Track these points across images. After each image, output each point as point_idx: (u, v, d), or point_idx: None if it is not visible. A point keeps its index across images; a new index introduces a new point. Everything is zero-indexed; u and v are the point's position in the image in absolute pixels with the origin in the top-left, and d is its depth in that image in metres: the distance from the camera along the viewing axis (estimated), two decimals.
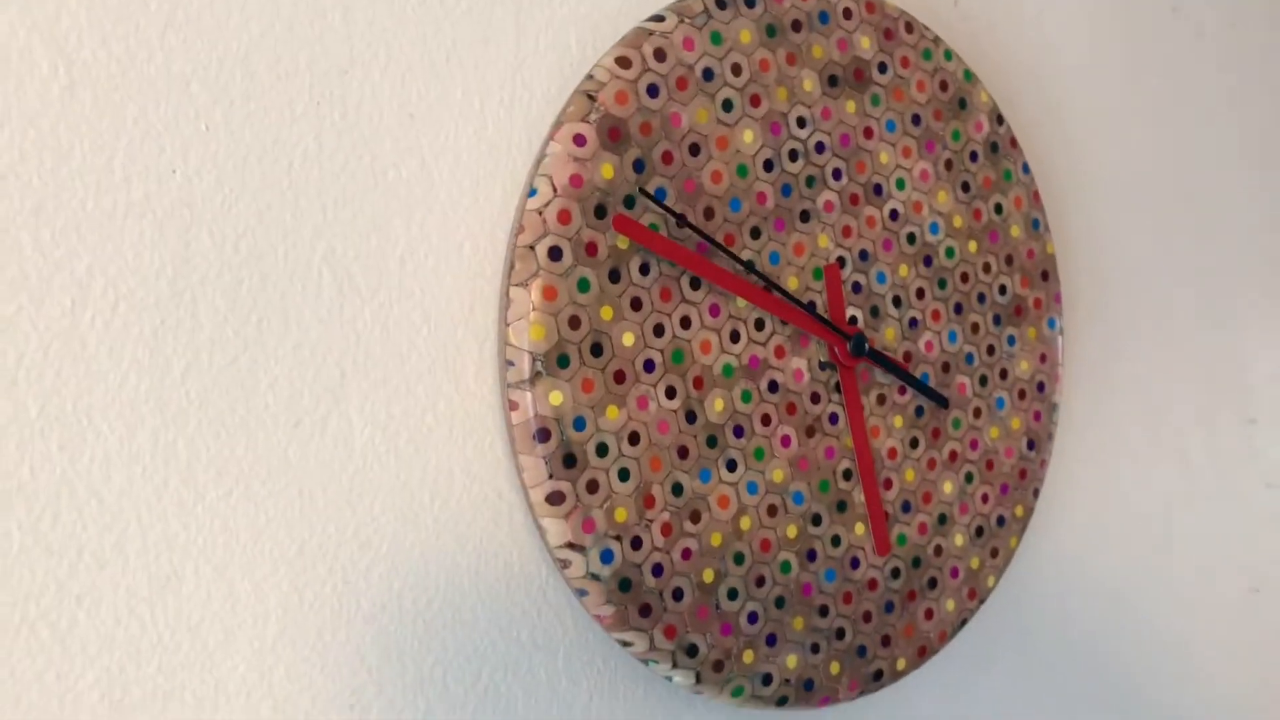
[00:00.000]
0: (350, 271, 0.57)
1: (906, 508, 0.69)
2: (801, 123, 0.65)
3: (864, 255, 0.68)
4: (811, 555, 0.65)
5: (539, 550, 0.60)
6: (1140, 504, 0.88)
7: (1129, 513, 0.88)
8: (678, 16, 0.61)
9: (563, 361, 0.57)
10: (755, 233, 0.63)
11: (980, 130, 0.73)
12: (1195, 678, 0.89)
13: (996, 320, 0.73)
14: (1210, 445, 0.93)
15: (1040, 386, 0.75)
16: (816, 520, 0.65)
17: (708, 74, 0.61)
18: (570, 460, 0.57)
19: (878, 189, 0.68)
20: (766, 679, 0.63)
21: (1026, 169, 0.75)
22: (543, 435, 0.56)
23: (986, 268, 0.73)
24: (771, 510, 0.64)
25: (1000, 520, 0.73)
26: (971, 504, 0.72)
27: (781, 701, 0.64)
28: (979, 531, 0.72)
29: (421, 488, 0.59)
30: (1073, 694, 0.82)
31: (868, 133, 0.68)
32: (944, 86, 0.71)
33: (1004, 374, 0.73)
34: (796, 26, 0.65)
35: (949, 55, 0.71)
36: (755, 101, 0.63)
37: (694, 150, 0.61)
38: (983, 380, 0.73)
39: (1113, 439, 0.86)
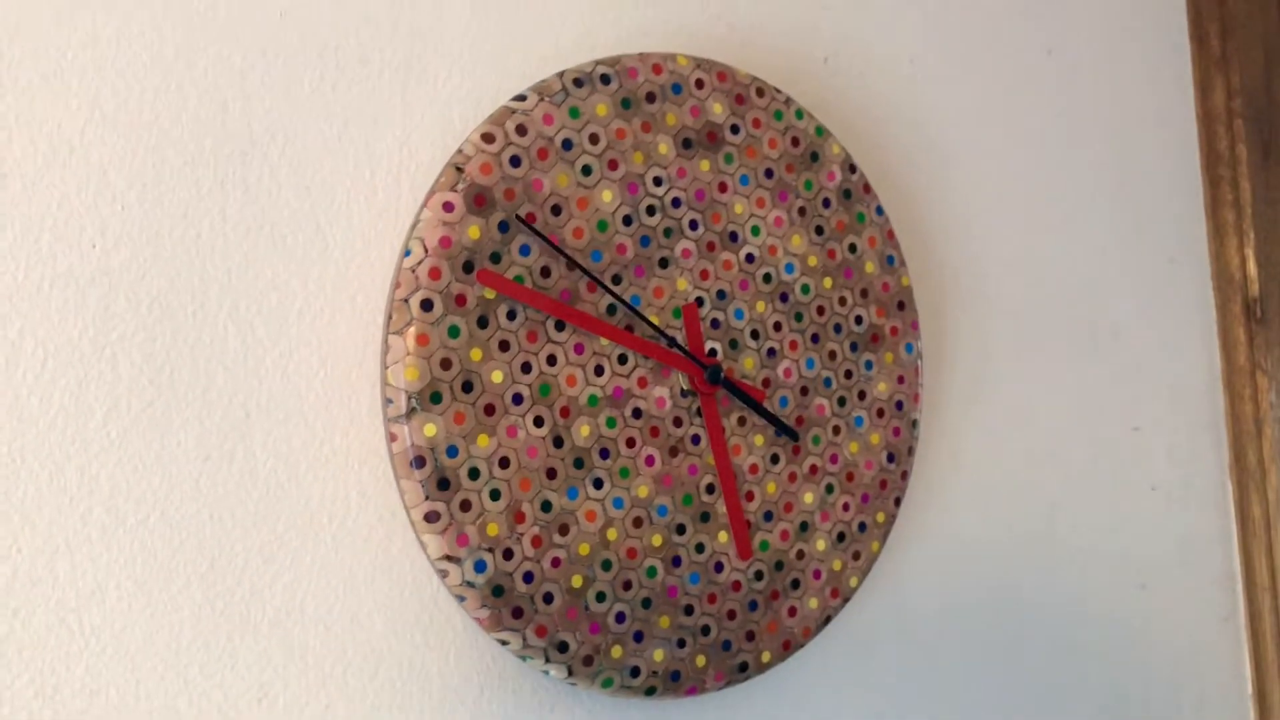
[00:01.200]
0: (253, 325, 0.67)
1: (769, 517, 0.78)
2: (658, 181, 0.74)
3: (721, 294, 0.76)
4: (676, 561, 0.74)
5: (425, 562, 0.69)
6: (1023, 508, 0.97)
7: (1011, 516, 0.96)
8: (538, 95, 0.70)
9: (435, 398, 0.66)
10: (616, 279, 0.73)
11: (832, 179, 0.81)
12: (1081, 672, 0.97)
13: (854, 347, 0.82)
14: (1093, 452, 1.01)
15: (899, 405, 0.84)
16: (681, 530, 0.74)
17: (567, 144, 0.71)
18: (444, 484, 0.66)
19: (733, 236, 0.77)
20: (635, 671, 0.72)
21: (880, 211, 0.83)
22: (419, 462, 0.65)
23: (842, 301, 0.82)
24: (637, 522, 0.73)
25: (862, 526, 0.82)
26: (832, 512, 0.81)
27: (650, 691, 0.73)
28: (840, 537, 0.81)
29: (320, 509, 0.68)
30: (944, 686, 0.90)
31: (722, 187, 0.77)
32: (795, 142, 0.80)
33: (862, 395, 0.82)
34: (651, 98, 0.74)
35: (800, 114, 0.80)
36: (613, 165, 0.72)
37: (556, 210, 0.70)
38: (841, 401, 0.81)
39: (988, 449, 0.94)
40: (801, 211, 0.80)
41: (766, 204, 0.78)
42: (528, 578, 0.68)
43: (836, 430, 0.81)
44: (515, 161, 0.69)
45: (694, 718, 0.78)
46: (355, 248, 0.69)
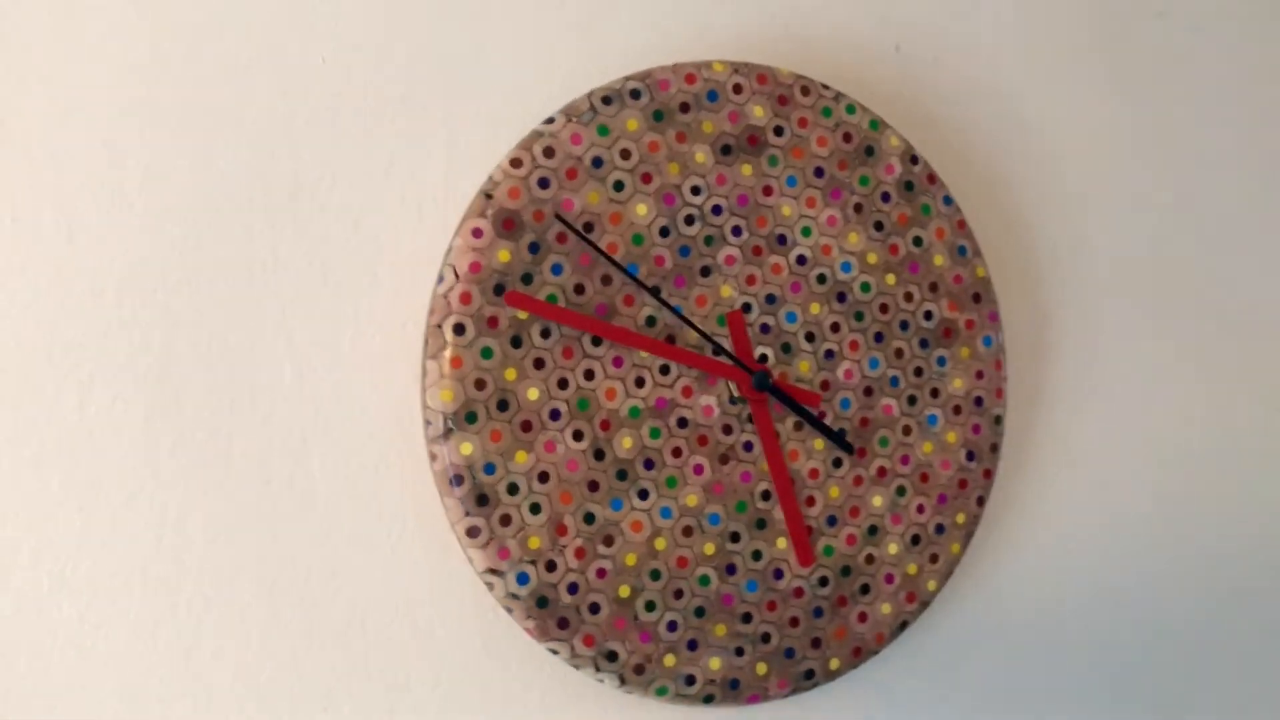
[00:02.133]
0: (308, 356, 0.71)
1: (832, 521, 0.77)
2: (696, 191, 0.74)
3: (771, 298, 0.76)
4: (731, 569, 0.74)
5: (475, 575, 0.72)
6: (1143, 504, 0.91)
7: (1131, 513, 0.91)
8: (565, 117, 0.72)
9: (471, 418, 0.69)
10: (655, 291, 0.73)
11: (891, 172, 0.79)
12: (1184, 683, 0.91)
13: (924, 344, 0.80)
14: (1226, 443, 0.94)
15: (978, 401, 0.81)
16: (735, 538, 0.74)
17: (597, 162, 0.72)
18: (483, 499, 0.69)
19: (781, 239, 0.76)
20: (690, 679, 0.73)
21: (948, 200, 0.81)
22: (457, 480, 0.68)
23: (909, 296, 0.80)
24: (687, 531, 0.73)
25: (939, 528, 0.80)
26: (905, 515, 0.79)
27: (708, 699, 0.73)
28: (915, 539, 0.79)
29: (378, 527, 0.72)
30: (1037, 696, 0.86)
31: (767, 190, 0.76)
32: (847, 138, 0.78)
33: (935, 392, 0.80)
34: (685, 108, 0.74)
35: (851, 109, 0.78)
36: (646, 179, 0.73)
37: (588, 228, 0.72)
38: (911, 400, 0.79)
39: (1104, 443, 0.90)
40: (858, 208, 0.78)
41: (818, 203, 0.77)
42: (572, 589, 0.70)
43: (907, 430, 0.79)
44: (544, 183, 0.70)
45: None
46: (403, 278, 0.72)
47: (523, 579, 0.69)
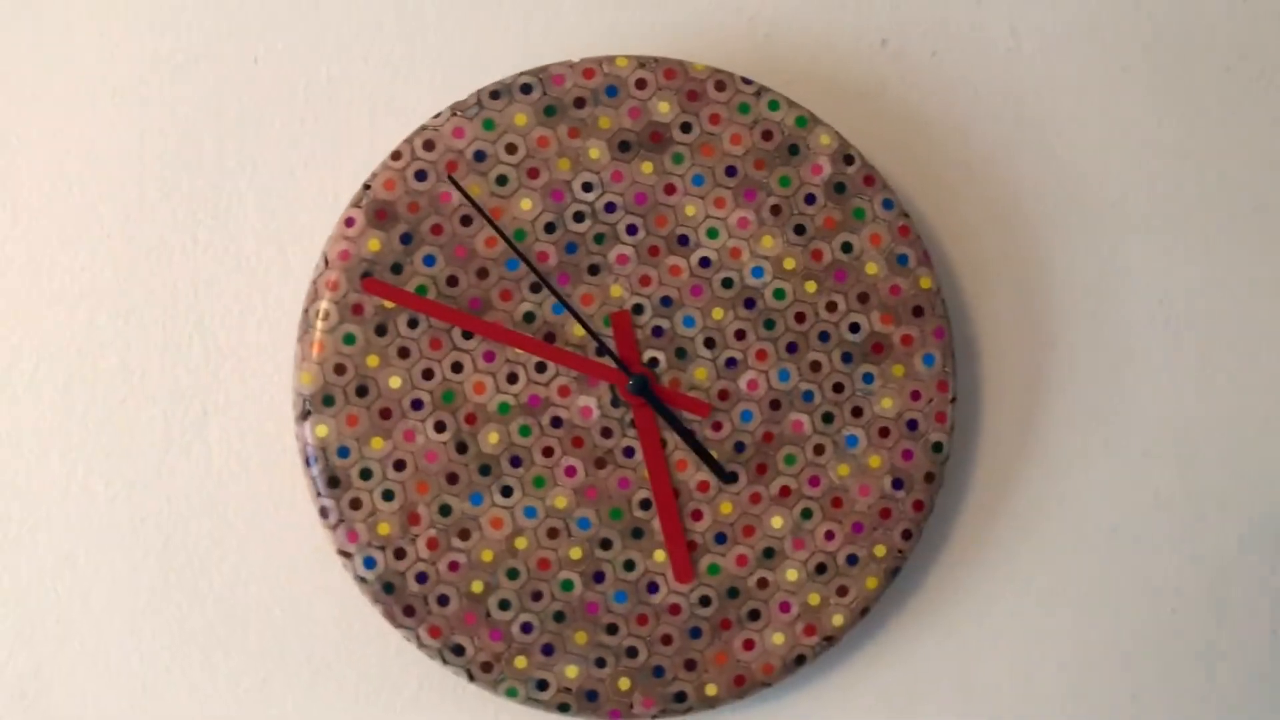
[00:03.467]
0: (215, 334, 0.76)
1: (721, 539, 0.73)
2: (588, 187, 0.73)
3: (666, 301, 0.73)
4: (599, 577, 0.72)
5: None
6: (1099, 546, 0.80)
7: (1077, 559, 0.80)
8: (451, 111, 0.73)
9: (328, 401, 0.71)
10: (535, 287, 0.73)
11: (818, 173, 0.74)
12: None
13: (847, 358, 0.74)
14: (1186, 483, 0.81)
15: (911, 424, 0.74)
16: (606, 544, 0.72)
17: (479, 155, 0.72)
18: (334, 482, 0.71)
19: (683, 239, 0.73)
20: (542, 684, 0.72)
21: (888, 204, 0.75)
22: (309, 461, 0.71)
23: (831, 306, 0.74)
24: (552, 533, 0.72)
25: (852, 559, 0.73)
26: (809, 540, 0.73)
27: (563, 708, 0.72)
28: (820, 568, 0.73)
29: (267, 499, 0.76)
30: None
31: (669, 189, 0.73)
32: (767, 136, 0.74)
33: (857, 411, 0.74)
34: (580, 103, 0.73)
35: (774, 105, 0.74)
36: (533, 174, 0.73)
37: (465, 221, 0.72)
38: (826, 417, 0.74)
39: (1123, 483, 0.80)
40: (775, 210, 0.74)
41: (728, 204, 0.74)
42: (421, 578, 0.71)
43: (819, 450, 0.73)
44: (421, 176, 0.72)
45: None
46: (314, 264, 0.76)
47: (369, 563, 0.70)
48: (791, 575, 0.73)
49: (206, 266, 0.76)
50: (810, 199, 0.74)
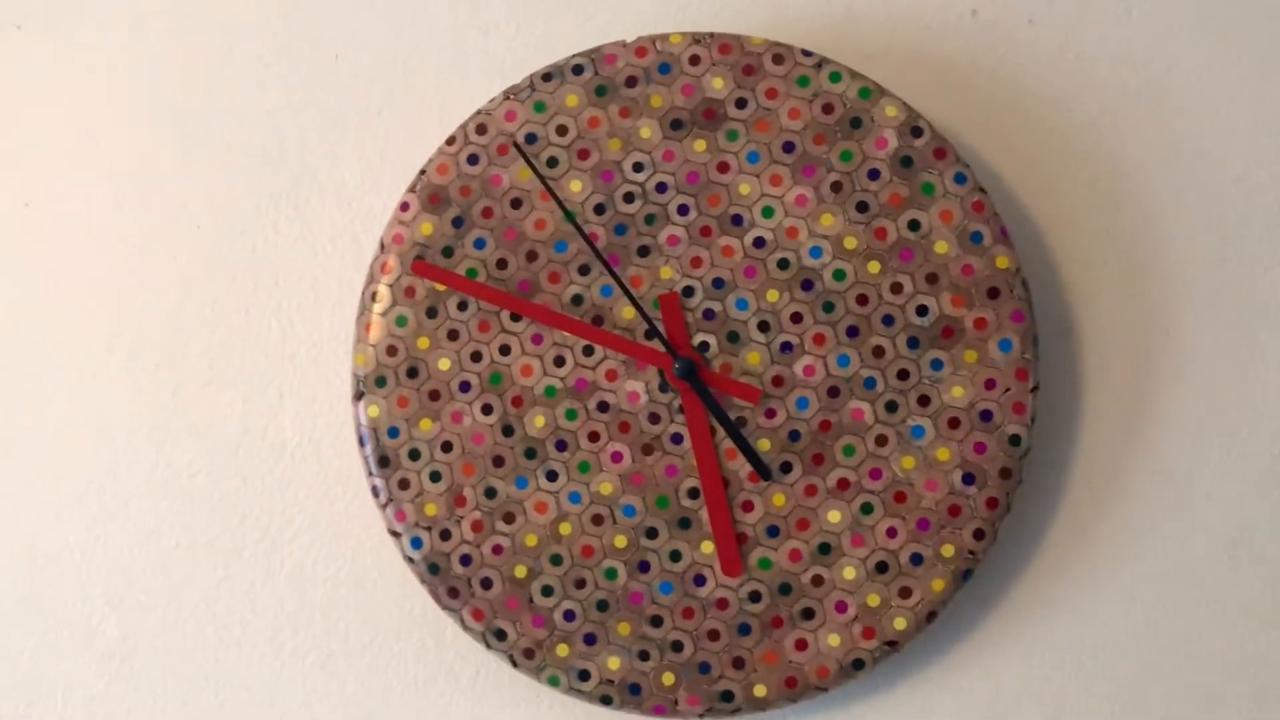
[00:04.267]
0: (292, 320, 0.79)
1: (773, 532, 0.70)
2: (638, 167, 0.72)
3: (718, 283, 0.71)
4: (644, 566, 0.70)
5: None
6: (1215, 565, 0.72)
7: (1189, 579, 0.72)
8: (504, 95, 0.73)
9: (380, 382, 0.72)
10: (584, 270, 0.72)
11: (883, 146, 0.70)
12: None
13: (913, 343, 0.70)
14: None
15: (985, 415, 0.69)
16: (652, 533, 0.70)
17: (530, 138, 0.72)
18: (384, 461, 0.72)
19: (736, 219, 0.71)
20: (584, 674, 0.70)
21: (961, 179, 0.70)
22: (362, 441, 0.72)
23: (897, 288, 0.70)
24: (597, 519, 0.70)
25: (916, 558, 0.69)
26: (870, 536, 0.69)
27: (606, 700, 0.70)
28: (881, 567, 0.69)
29: (336, 481, 0.77)
30: None
31: (722, 167, 0.71)
32: (828, 109, 0.71)
33: (924, 400, 0.69)
34: (631, 82, 0.72)
35: (836, 76, 0.71)
36: (583, 155, 0.72)
37: (515, 204, 0.72)
38: (890, 406, 0.69)
39: (1167, 484, 0.72)
40: (835, 186, 0.70)
41: (784, 181, 0.71)
42: (465, 560, 0.71)
43: (882, 440, 0.69)
44: (473, 160, 0.72)
45: None
46: None
47: (416, 543, 0.71)
48: (849, 573, 0.69)
49: (285, 255, 0.78)
50: (874, 174, 0.70)
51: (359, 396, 0.72)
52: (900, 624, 0.68)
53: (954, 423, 0.68)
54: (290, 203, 0.79)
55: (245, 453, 0.77)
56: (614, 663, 0.69)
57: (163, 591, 0.77)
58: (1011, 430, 0.68)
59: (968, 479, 0.68)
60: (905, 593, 0.68)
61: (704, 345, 0.70)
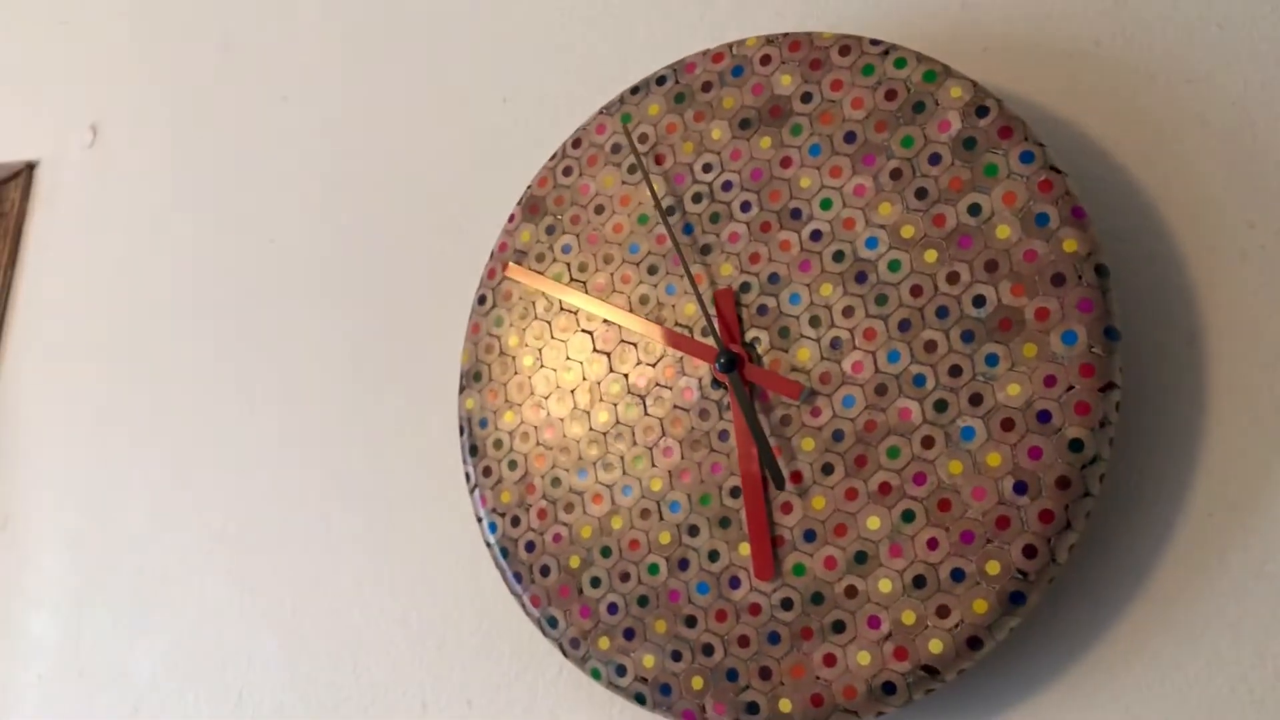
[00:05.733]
0: (453, 317, 0.87)
1: (810, 537, 0.66)
2: (708, 168, 0.73)
3: (774, 278, 0.70)
4: (684, 564, 0.69)
5: None
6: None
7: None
8: (601, 112, 0.78)
9: (477, 377, 0.78)
10: (652, 270, 0.74)
11: (946, 129, 0.67)
12: None
13: (968, 336, 0.64)
14: None
15: (1043, 416, 0.62)
16: (694, 531, 0.70)
17: (615, 148, 0.76)
18: (474, 450, 0.77)
19: (795, 213, 0.70)
20: (621, 670, 0.70)
21: (1028, 158, 0.64)
22: (459, 430, 0.78)
23: (953, 278, 0.65)
24: (645, 514, 0.71)
25: (958, 574, 0.62)
26: (909, 547, 0.64)
27: (640, 699, 0.69)
28: (919, 581, 0.63)
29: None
30: None
31: (785, 162, 0.71)
32: (890, 95, 0.69)
33: (976, 399, 0.64)
34: (706, 88, 0.74)
35: (901, 62, 0.69)
36: (660, 160, 0.75)
37: (599, 210, 0.76)
38: (939, 405, 0.65)
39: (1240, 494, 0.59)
40: (895, 174, 0.68)
41: (844, 172, 0.69)
42: (529, 547, 0.74)
43: (929, 442, 0.64)
44: (567, 171, 0.78)
45: None
46: None
47: (492, 528, 0.75)
48: (885, 586, 0.63)
49: (465, 266, 0.86)
50: (935, 159, 0.66)
51: (462, 389, 0.78)
52: (936, 647, 0.61)
53: (1008, 424, 0.61)
54: (453, 229, 0.87)
55: (406, 442, 0.85)
56: (649, 660, 0.68)
57: (318, 556, 0.86)
58: (1072, 434, 0.60)
59: (1019, 488, 0.60)
60: (943, 611, 0.61)
61: (756, 341, 0.69)
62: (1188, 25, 0.66)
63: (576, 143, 0.77)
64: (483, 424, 0.76)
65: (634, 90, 0.75)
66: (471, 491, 0.76)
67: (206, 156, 1.01)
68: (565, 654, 0.71)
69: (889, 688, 0.62)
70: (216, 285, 0.97)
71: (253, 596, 0.88)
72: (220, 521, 0.91)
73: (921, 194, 0.65)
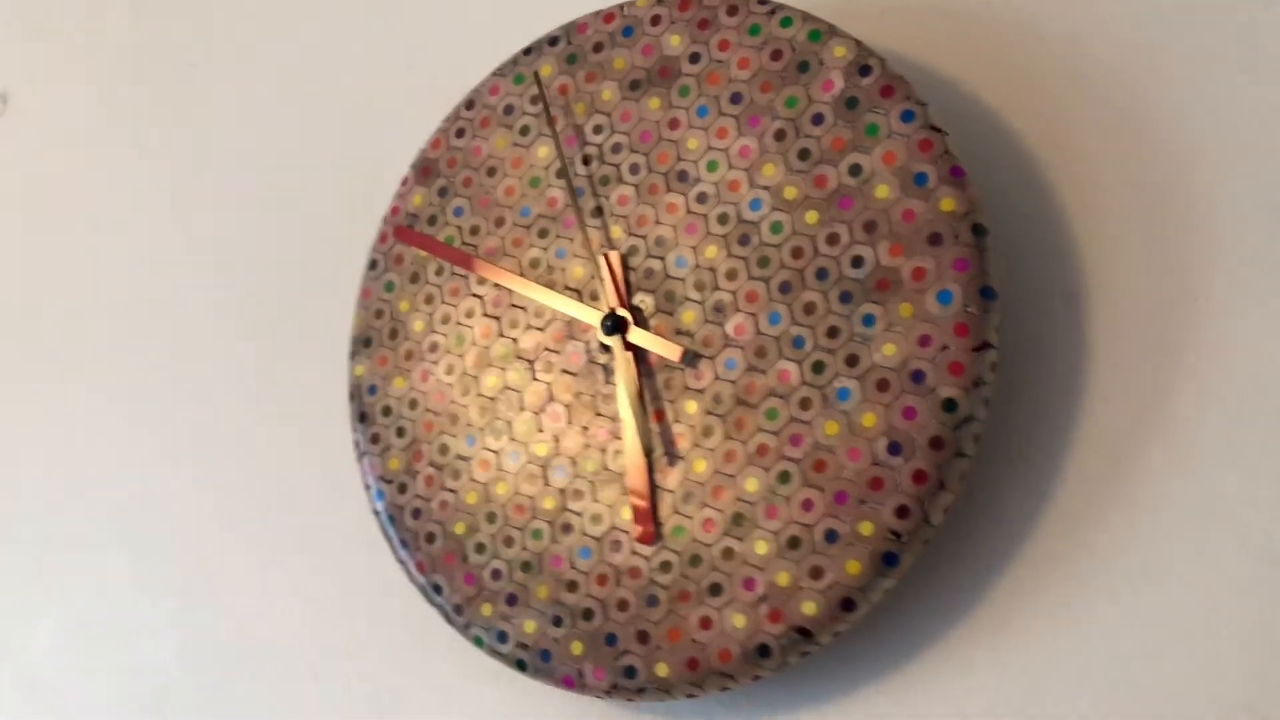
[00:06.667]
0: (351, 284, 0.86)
1: (690, 499, 0.66)
2: (598, 130, 0.72)
3: (661, 241, 0.69)
4: (567, 529, 0.69)
5: None
6: (1242, 572, 0.57)
7: (1206, 591, 0.57)
8: (494, 74, 0.77)
9: (367, 342, 0.77)
10: (543, 233, 0.73)
11: (829, 89, 0.66)
12: None
13: (845, 297, 0.64)
14: None
15: (917, 376, 0.61)
16: (578, 495, 0.69)
17: (508, 109, 0.75)
18: (363, 417, 0.76)
19: (682, 175, 0.69)
20: (502, 636, 0.69)
21: (908, 116, 0.64)
22: (349, 397, 0.77)
23: (833, 239, 0.65)
24: (530, 479, 0.70)
25: (831, 535, 0.62)
26: (784, 508, 0.63)
27: (520, 665, 0.68)
28: (793, 542, 0.63)
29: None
30: None
31: (673, 124, 0.70)
32: (776, 55, 0.68)
33: (853, 359, 0.63)
34: (598, 48, 0.73)
35: (787, 22, 0.68)
36: (552, 121, 0.74)
37: (490, 172, 0.75)
38: (817, 367, 0.64)
39: (1184, 474, 0.59)
40: (780, 135, 0.67)
41: (730, 133, 0.68)
42: (415, 514, 0.73)
43: (806, 404, 0.64)
44: (460, 133, 0.77)
45: (574, 713, 0.68)
46: None
47: (379, 495, 0.74)
48: (761, 548, 0.62)
49: (342, 233, 0.85)
50: (818, 119, 0.65)
51: (352, 355, 0.76)
52: (809, 609, 0.60)
53: (883, 385, 0.61)
54: (377, 185, 0.85)
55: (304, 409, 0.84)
56: (530, 626, 0.67)
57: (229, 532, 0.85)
58: (946, 394, 0.59)
59: (893, 448, 0.60)
60: (817, 573, 0.61)
61: (642, 304, 0.68)
62: None
63: (470, 104, 0.76)
64: (371, 390, 0.75)
65: (527, 51, 0.75)
66: (360, 459, 0.75)
67: (116, 126, 1.00)
68: (449, 621, 0.70)
69: (763, 651, 0.61)
70: (117, 255, 0.95)
71: (148, 568, 0.87)
72: (116, 493, 0.89)
73: (804, 155, 0.65)
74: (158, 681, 0.84)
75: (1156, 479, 0.59)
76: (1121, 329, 0.62)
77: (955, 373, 0.59)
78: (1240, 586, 0.56)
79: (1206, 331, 0.60)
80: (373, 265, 0.77)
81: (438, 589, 0.70)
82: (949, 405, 0.59)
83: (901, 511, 0.59)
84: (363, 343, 0.76)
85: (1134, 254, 0.62)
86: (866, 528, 0.60)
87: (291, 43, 0.92)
